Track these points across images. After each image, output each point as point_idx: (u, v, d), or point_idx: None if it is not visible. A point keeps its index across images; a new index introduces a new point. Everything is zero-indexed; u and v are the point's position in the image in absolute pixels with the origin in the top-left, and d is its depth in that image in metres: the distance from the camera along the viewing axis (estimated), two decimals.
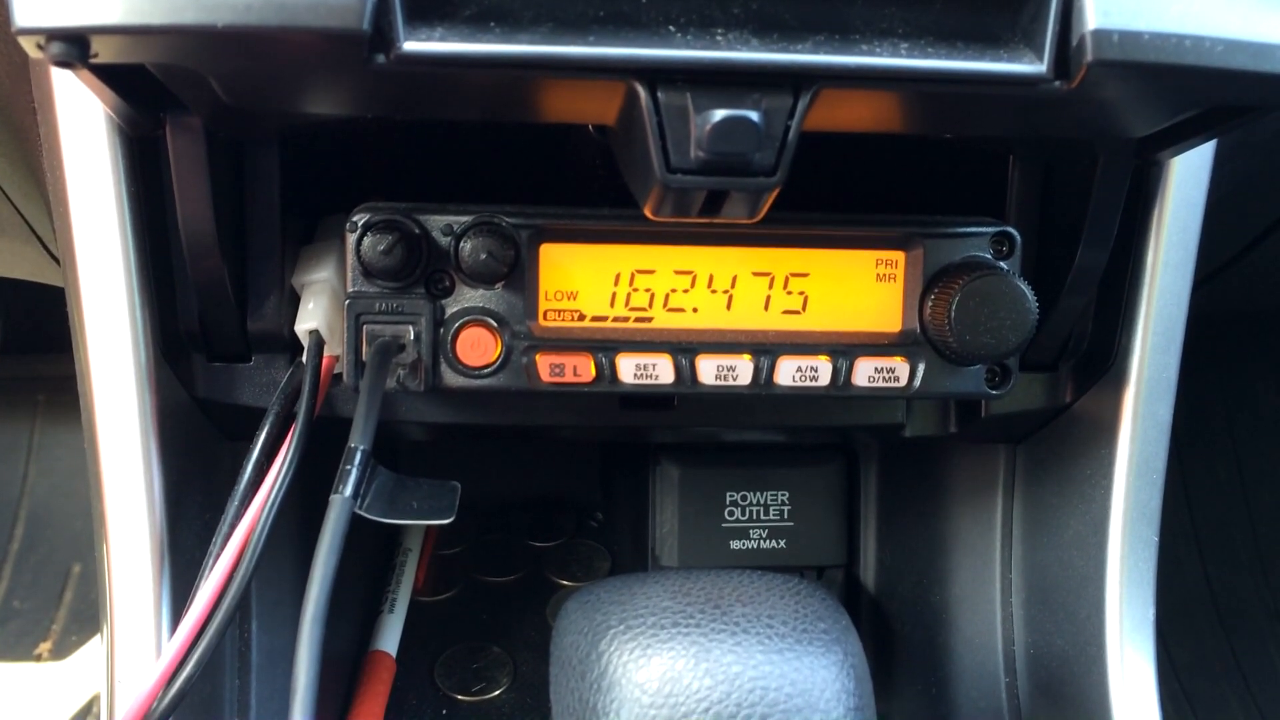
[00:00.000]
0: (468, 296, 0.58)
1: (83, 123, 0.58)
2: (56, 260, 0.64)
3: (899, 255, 0.60)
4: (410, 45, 0.40)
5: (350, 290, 0.58)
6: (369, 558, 0.95)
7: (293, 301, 0.62)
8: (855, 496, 0.94)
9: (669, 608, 0.55)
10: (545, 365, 0.58)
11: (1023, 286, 0.57)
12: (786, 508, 0.89)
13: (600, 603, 0.57)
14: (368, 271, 0.57)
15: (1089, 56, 0.41)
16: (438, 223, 0.57)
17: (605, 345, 0.59)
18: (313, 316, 0.60)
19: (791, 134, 0.43)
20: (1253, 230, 1.02)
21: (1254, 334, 1.66)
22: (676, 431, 0.88)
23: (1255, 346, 1.68)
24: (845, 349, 0.60)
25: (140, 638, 0.65)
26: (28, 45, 0.39)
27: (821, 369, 0.59)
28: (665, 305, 0.59)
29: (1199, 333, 0.69)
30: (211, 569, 0.54)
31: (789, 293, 0.60)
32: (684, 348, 0.59)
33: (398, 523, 0.54)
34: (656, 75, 0.42)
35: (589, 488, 1.12)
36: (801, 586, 0.59)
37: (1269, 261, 1.10)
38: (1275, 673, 1.59)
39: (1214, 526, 1.67)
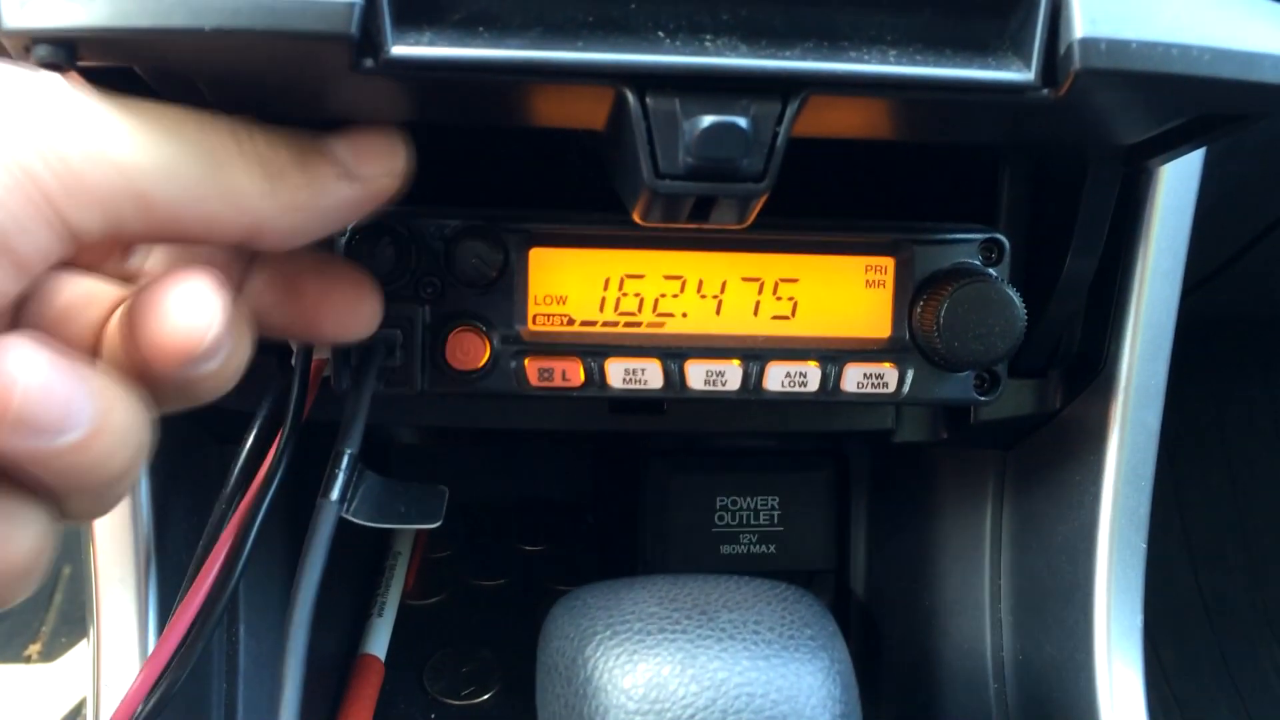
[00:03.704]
0: (457, 300, 0.58)
1: None
2: None
3: (888, 261, 0.60)
4: (398, 50, 0.39)
5: None
6: (358, 561, 0.95)
7: None
8: (845, 502, 0.94)
9: (655, 613, 0.55)
10: (534, 369, 0.58)
11: (1011, 293, 0.57)
12: (777, 512, 0.89)
13: (586, 608, 0.57)
14: None
15: (1076, 64, 0.41)
16: (427, 226, 0.57)
17: (594, 350, 0.59)
18: None
19: (780, 140, 0.43)
20: (1242, 237, 1.02)
21: (1246, 339, 1.66)
22: (667, 436, 0.88)
23: (1247, 352, 1.68)
24: (834, 355, 0.60)
25: (126, 641, 0.65)
26: (13, 47, 0.39)
27: (810, 374, 0.59)
28: (654, 310, 0.59)
29: (1191, 338, 0.69)
30: (198, 572, 0.53)
31: (778, 298, 0.60)
32: (673, 353, 0.59)
33: (385, 527, 0.54)
34: (645, 81, 0.42)
35: (579, 491, 1.12)
36: (788, 593, 0.59)
37: (1260, 267, 1.11)
38: (1265, 677, 1.59)
39: (1205, 531, 1.67)
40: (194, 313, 0.39)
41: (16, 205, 0.35)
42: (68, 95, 0.37)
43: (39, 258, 0.36)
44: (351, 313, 0.50)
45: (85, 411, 0.36)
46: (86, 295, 0.44)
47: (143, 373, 0.40)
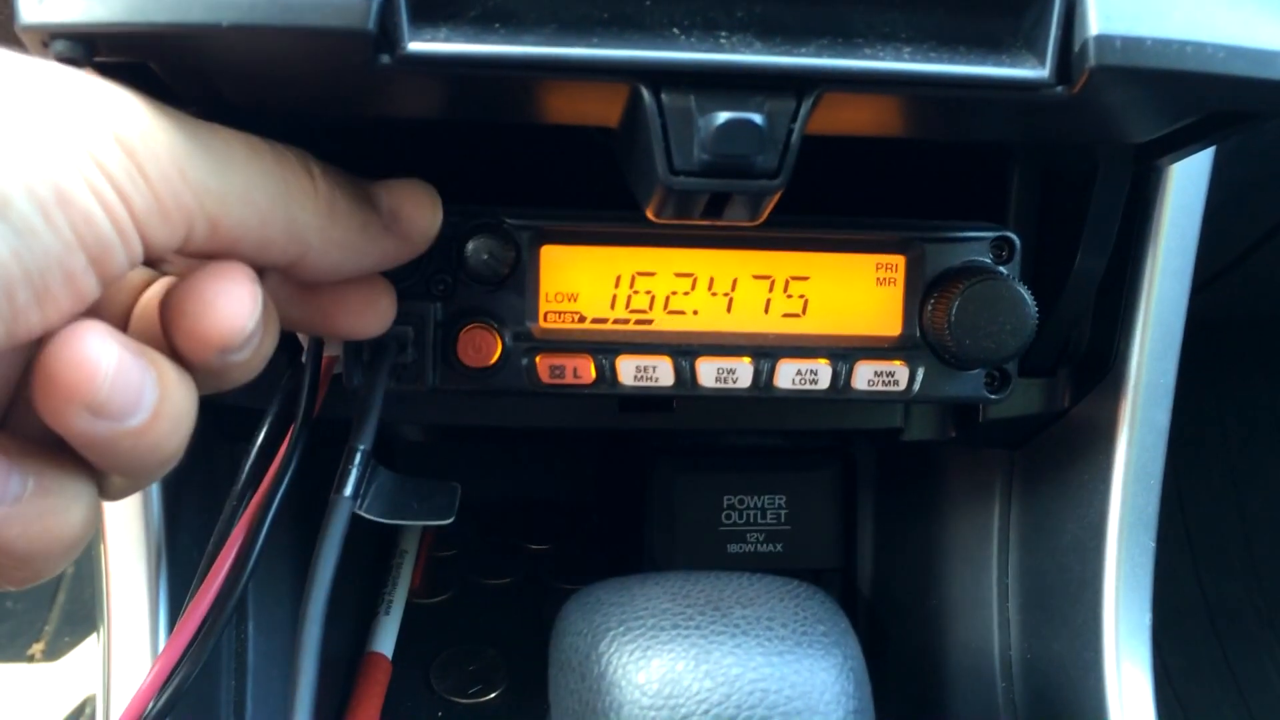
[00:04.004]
0: (468, 297, 0.58)
1: None
2: None
3: (899, 259, 0.60)
4: (415, 45, 0.40)
5: None
6: (365, 560, 0.95)
7: None
8: (853, 500, 0.94)
9: (669, 609, 0.55)
10: (545, 367, 0.58)
11: (1022, 291, 0.57)
12: (784, 511, 0.89)
13: (600, 604, 0.57)
14: None
15: (1091, 62, 0.41)
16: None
17: (605, 347, 0.59)
18: None
19: (794, 137, 0.43)
20: (1248, 237, 1.02)
21: (1249, 340, 1.66)
22: (674, 435, 0.88)
23: (1250, 352, 1.69)
24: (845, 352, 0.60)
25: (137, 639, 0.65)
26: (32, 43, 0.39)
27: (821, 372, 0.60)
28: (666, 307, 0.59)
29: (1194, 338, 0.70)
30: (209, 570, 0.54)
31: (789, 296, 0.60)
32: (684, 350, 0.59)
33: (396, 523, 0.54)
34: (661, 77, 0.42)
35: (586, 490, 1.11)
36: (801, 589, 0.59)
37: (1265, 268, 1.11)
38: (1268, 678, 1.59)
39: (1207, 532, 1.68)
40: (234, 305, 0.40)
41: (112, 223, 0.36)
42: (154, 114, 0.38)
43: (123, 269, 0.37)
44: (366, 310, 0.52)
45: (150, 396, 0.38)
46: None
47: (176, 358, 0.41)
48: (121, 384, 0.36)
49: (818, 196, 0.60)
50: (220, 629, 0.52)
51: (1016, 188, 0.64)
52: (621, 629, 0.55)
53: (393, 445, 0.98)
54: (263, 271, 0.48)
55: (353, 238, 0.45)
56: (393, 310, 0.53)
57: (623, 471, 1.01)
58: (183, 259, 0.46)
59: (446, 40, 0.40)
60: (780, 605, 0.56)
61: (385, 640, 0.89)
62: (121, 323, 0.45)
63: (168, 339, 0.41)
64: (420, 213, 0.49)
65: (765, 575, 0.61)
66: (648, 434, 0.88)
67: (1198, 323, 0.70)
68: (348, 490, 0.52)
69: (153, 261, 0.47)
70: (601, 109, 0.46)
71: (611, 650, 0.54)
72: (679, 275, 0.59)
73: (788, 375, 0.59)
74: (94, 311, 0.38)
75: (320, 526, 0.51)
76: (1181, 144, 0.53)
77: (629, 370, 0.59)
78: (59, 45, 0.39)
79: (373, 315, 0.52)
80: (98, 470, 0.40)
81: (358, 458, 0.52)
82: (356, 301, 0.51)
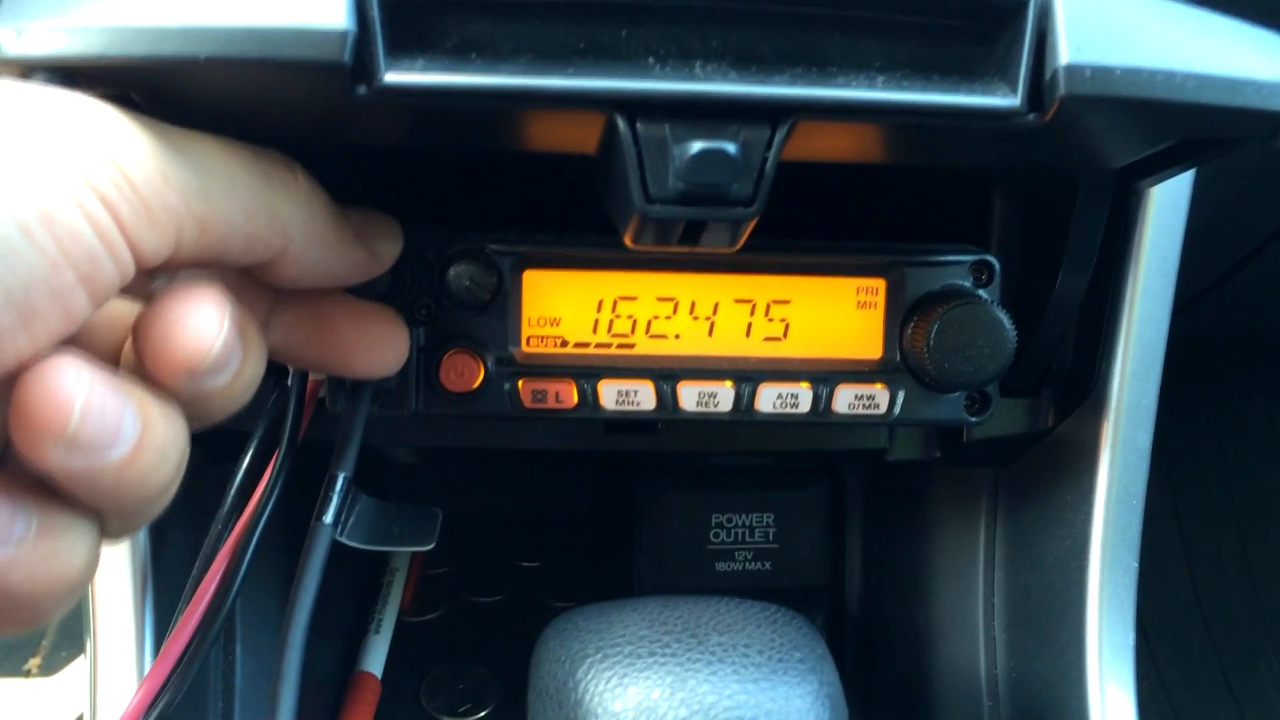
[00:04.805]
0: (451, 322, 0.58)
1: None
2: None
3: (879, 283, 0.60)
4: (391, 76, 0.40)
5: None
6: (356, 578, 0.95)
7: None
8: (841, 519, 0.94)
9: (646, 636, 0.56)
10: (528, 391, 0.59)
11: (1001, 315, 0.57)
12: (772, 529, 0.90)
13: (577, 630, 0.58)
14: None
15: (1061, 91, 0.41)
16: (421, 249, 0.58)
17: (587, 371, 0.59)
18: None
19: (769, 165, 0.43)
20: (1237, 254, 1.02)
21: (1243, 353, 1.67)
22: (664, 453, 0.88)
23: (1245, 366, 1.69)
24: (825, 376, 0.60)
25: (123, 659, 0.65)
26: (10, 75, 0.40)
27: (802, 396, 0.60)
28: (647, 332, 0.60)
29: (1188, 352, 0.70)
30: (195, 590, 0.54)
31: (770, 319, 0.60)
32: (665, 374, 0.59)
33: (379, 550, 0.54)
34: (636, 107, 0.42)
35: (577, 507, 1.12)
36: (779, 615, 0.59)
37: (1257, 282, 1.11)
38: (1264, 689, 1.59)
39: (1203, 543, 1.68)
40: (199, 326, 0.39)
41: (98, 235, 0.35)
42: (133, 123, 0.38)
43: (114, 284, 0.37)
44: (384, 349, 0.52)
45: (131, 428, 0.37)
46: (110, 316, 0.44)
47: (157, 389, 0.41)
48: (96, 415, 0.35)
49: (800, 220, 0.60)
50: (206, 651, 0.53)
51: (998, 210, 0.65)
52: (599, 656, 0.55)
53: (384, 466, 0.98)
54: (274, 315, 0.48)
55: (330, 237, 0.46)
56: (406, 347, 0.54)
57: (612, 489, 1.02)
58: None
59: (423, 71, 0.40)
60: (757, 632, 0.56)
61: (375, 659, 0.89)
62: (113, 359, 0.44)
63: (141, 366, 0.40)
64: (382, 234, 0.51)
65: (744, 601, 0.61)
66: (637, 453, 0.88)
67: (1191, 336, 0.70)
68: (328, 517, 0.52)
69: (144, 293, 0.47)
70: (579, 137, 0.46)
71: (588, 678, 0.54)
72: (661, 299, 0.60)
73: (768, 399, 0.60)
74: (84, 347, 0.38)
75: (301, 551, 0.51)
76: (1159, 168, 0.53)
77: (611, 394, 0.59)
78: (38, 78, 0.39)
79: (389, 352, 0.53)
80: (96, 511, 0.39)
81: (339, 484, 0.53)
82: (375, 341, 0.52)
